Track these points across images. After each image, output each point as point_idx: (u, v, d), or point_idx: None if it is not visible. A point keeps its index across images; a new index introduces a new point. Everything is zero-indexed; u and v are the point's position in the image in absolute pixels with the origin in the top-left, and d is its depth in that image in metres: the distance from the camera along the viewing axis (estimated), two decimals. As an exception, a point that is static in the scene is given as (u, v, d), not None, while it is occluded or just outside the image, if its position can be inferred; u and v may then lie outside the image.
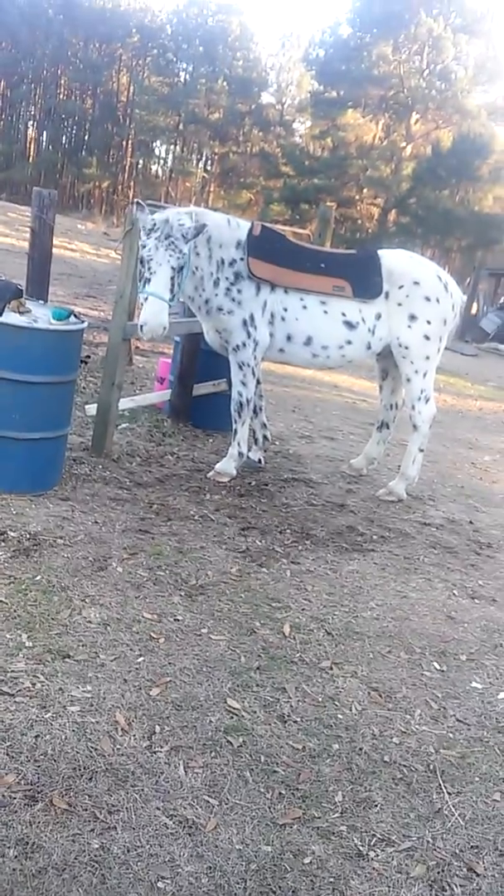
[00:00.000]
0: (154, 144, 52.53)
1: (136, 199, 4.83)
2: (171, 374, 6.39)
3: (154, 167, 53.57)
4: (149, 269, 4.43)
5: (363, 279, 5.07)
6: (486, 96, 40.36)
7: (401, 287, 5.10)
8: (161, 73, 49.28)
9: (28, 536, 3.68)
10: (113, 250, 18.68)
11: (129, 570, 3.58)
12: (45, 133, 51.03)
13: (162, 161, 53.21)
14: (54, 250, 7.01)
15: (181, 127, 48.89)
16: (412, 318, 5.11)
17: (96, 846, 2.03)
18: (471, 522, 5.31)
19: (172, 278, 4.44)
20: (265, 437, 5.70)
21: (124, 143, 51.49)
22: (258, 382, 5.46)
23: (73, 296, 11.71)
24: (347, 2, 56.11)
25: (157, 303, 4.39)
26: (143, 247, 4.47)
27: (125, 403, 5.65)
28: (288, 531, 4.48)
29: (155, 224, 4.45)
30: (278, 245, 5.05)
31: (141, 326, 4.42)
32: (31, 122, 51.76)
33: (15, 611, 3.04)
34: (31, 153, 50.29)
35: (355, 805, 2.36)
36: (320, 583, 3.88)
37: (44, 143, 50.73)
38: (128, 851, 2.03)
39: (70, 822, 2.09)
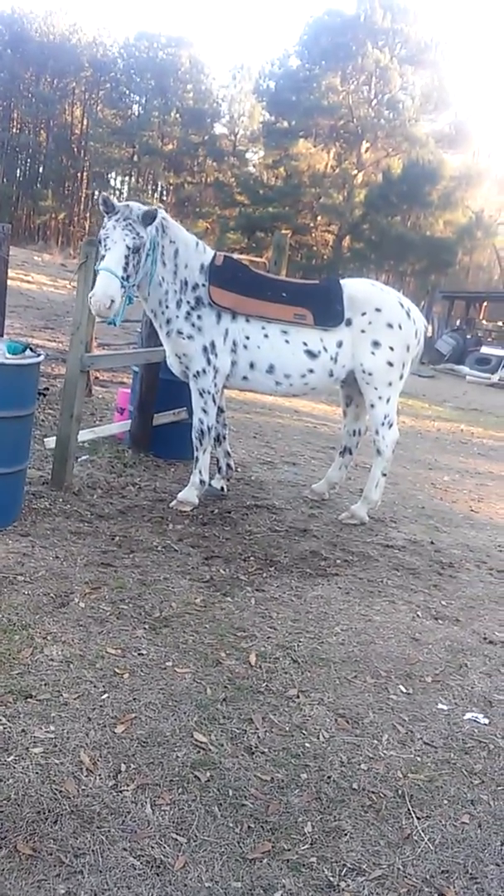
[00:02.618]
0: (109, 176, 52.85)
1: (102, 194, 4.90)
2: (130, 404, 6.38)
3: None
4: (105, 246, 4.52)
5: (324, 307, 5.13)
6: (434, 124, 41.51)
7: (363, 314, 5.17)
8: (114, 105, 49.75)
9: (-13, 574, 3.61)
10: (69, 281, 18.66)
11: (92, 605, 3.54)
12: (-1, 166, 50.96)
13: (118, 192, 53.46)
14: (10, 283, 6.99)
15: (136, 158, 49.30)
16: (375, 344, 5.18)
17: (62, 892, 1.98)
18: (432, 543, 5.36)
19: (127, 257, 4.50)
20: (228, 466, 5.71)
21: (79, 174, 51.71)
22: (221, 411, 5.48)
23: (30, 328, 11.65)
24: (295, 34, 57.25)
25: (108, 276, 4.44)
26: (103, 227, 4.57)
27: (85, 435, 5.62)
28: (252, 559, 4.48)
29: (115, 208, 4.55)
30: (240, 274, 5.10)
31: (90, 298, 4.47)
32: (-16, 156, 51.65)
33: (-25, 652, 2.99)
34: (-14, 186, 50.15)
35: (325, 835, 2.34)
36: (285, 610, 3.87)
37: (-1, 176, 50.65)
38: (95, 896, 1.99)
39: (35, 867, 2.04)
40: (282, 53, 45.87)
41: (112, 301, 4.43)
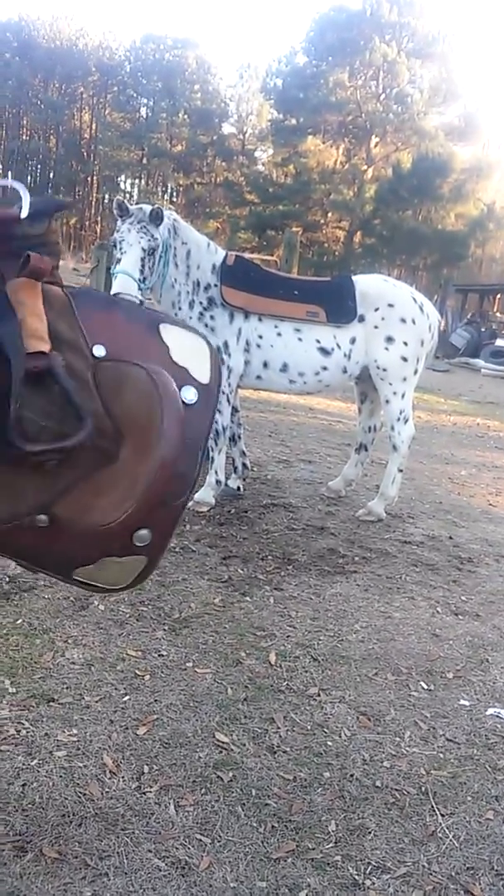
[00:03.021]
0: (119, 179, 53.03)
1: (117, 198, 4.94)
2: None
3: (120, 201, 53.92)
4: (120, 249, 4.55)
5: (337, 304, 5.13)
6: (443, 117, 41.25)
7: (376, 310, 5.16)
8: (122, 109, 49.90)
9: (7, 580, 3.64)
10: (82, 286, 18.74)
11: (111, 608, 3.56)
12: (9, 173, 51.25)
13: (128, 195, 53.65)
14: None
15: (145, 161, 49.43)
16: (389, 340, 5.17)
17: (89, 894, 2.00)
18: (450, 538, 5.33)
19: (143, 259, 4.52)
20: (244, 465, 5.71)
21: (89, 179, 51.92)
22: (236, 410, 5.49)
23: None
24: (302, 31, 57.18)
25: (125, 278, 4.47)
26: (117, 231, 4.60)
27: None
28: (269, 557, 4.48)
29: (129, 211, 4.58)
30: (252, 274, 5.12)
31: None
32: (-5, 163, 52.03)
33: (-4, 656, 3.01)
34: (-3, 194, 50.51)
35: (349, 833, 2.34)
36: (304, 608, 3.87)
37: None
38: (121, 897, 2.00)
39: (61, 871, 2.06)
40: (288, 51, 45.85)
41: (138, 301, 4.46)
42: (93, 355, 1.59)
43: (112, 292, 4.47)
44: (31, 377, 1.49)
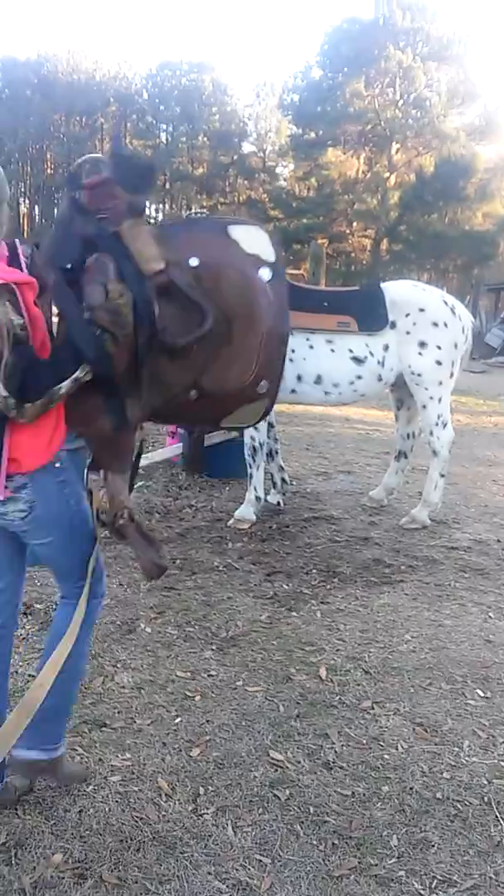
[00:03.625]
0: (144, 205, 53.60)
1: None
2: (181, 427, 6.42)
3: (146, 226, 54.62)
4: None
5: (367, 312, 5.10)
6: (463, 118, 40.94)
7: (407, 315, 5.13)
8: (142, 136, 50.52)
9: (54, 607, 3.66)
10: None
11: (159, 630, 3.55)
12: (36, 207, 52.30)
13: (153, 220, 54.22)
14: (55, 319, 7.12)
15: (168, 185, 49.93)
16: (422, 344, 5.13)
17: (150, 920, 1.98)
18: (499, 541, 5.24)
19: None
20: (283, 480, 5.70)
21: (115, 207, 52.52)
22: (271, 426, 5.48)
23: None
24: (315, 45, 57.44)
25: None
26: None
27: (139, 462, 5.67)
28: (314, 571, 4.44)
29: None
30: None
31: None
32: (22, 199, 53.08)
33: (48, 684, 3.02)
34: (25, 228, 51.50)
35: (412, 848, 2.29)
36: (352, 620, 3.83)
37: (37, 217, 51.94)
38: (183, 922, 1.98)
39: (121, 897, 2.05)
40: (304, 66, 45.99)
41: None
42: (189, 265, 2.14)
43: None
44: (160, 290, 2.05)
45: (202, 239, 2.27)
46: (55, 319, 2.13)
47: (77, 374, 1.97)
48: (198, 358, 2.16)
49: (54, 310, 2.11)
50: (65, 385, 1.97)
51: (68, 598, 2.30)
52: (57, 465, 2.14)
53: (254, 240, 2.31)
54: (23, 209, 52.99)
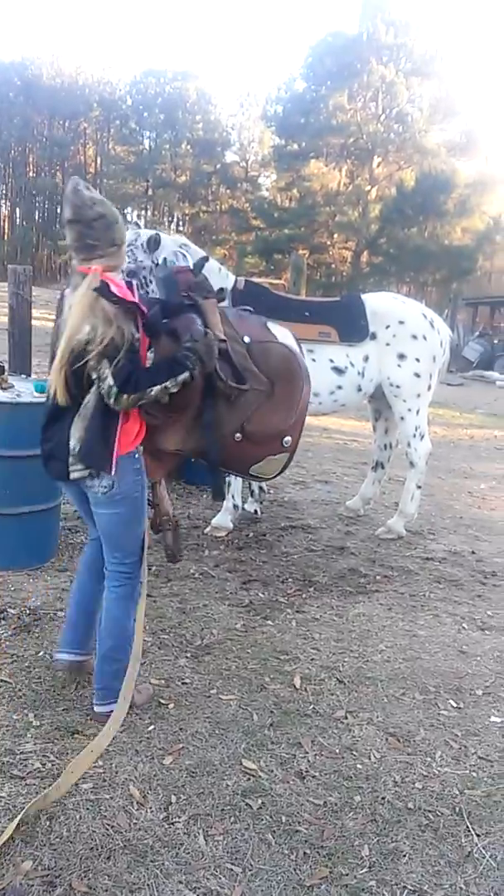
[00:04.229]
0: (125, 211, 53.59)
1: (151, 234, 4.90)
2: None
3: (127, 233, 54.57)
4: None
5: (348, 323, 5.12)
6: (444, 134, 41.44)
7: (387, 327, 5.16)
8: (126, 142, 50.52)
9: (28, 612, 3.63)
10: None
11: (133, 637, 3.53)
12: (17, 210, 52.02)
13: (135, 226, 54.16)
14: (36, 322, 7.11)
15: (150, 192, 49.96)
16: (401, 357, 5.16)
17: (120, 929, 1.96)
18: (473, 553, 5.28)
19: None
20: (261, 488, 5.70)
21: (96, 212, 52.32)
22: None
23: (57, 366, 11.77)
24: (300, 58, 57.85)
25: None
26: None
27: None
28: (290, 580, 4.45)
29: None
30: (262, 297, 5.11)
31: None
32: (2, 201, 52.84)
33: (20, 690, 2.99)
34: (6, 230, 51.22)
35: (383, 857, 2.29)
36: (327, 630, 3.83)
37: (17, 220, 51.68)
38: (153, 932, 1.96)
39: (91, 906, 2.02)
40: (287, 78, 46.34)
41: None
42: (244, 341, 3.08)
43: None
44: (221, 353, 2.88)
45: (251, 325, 3.22)
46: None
47: (167, 383, 2.63)
48: (246, 406, 3.00)
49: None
50: (155, 389, 2.60)
51: (111, 579, 2.86)
52: (136, 455, 2.77)
53: (282, 335, 3.29)
54: (4, 211, 52.75)
